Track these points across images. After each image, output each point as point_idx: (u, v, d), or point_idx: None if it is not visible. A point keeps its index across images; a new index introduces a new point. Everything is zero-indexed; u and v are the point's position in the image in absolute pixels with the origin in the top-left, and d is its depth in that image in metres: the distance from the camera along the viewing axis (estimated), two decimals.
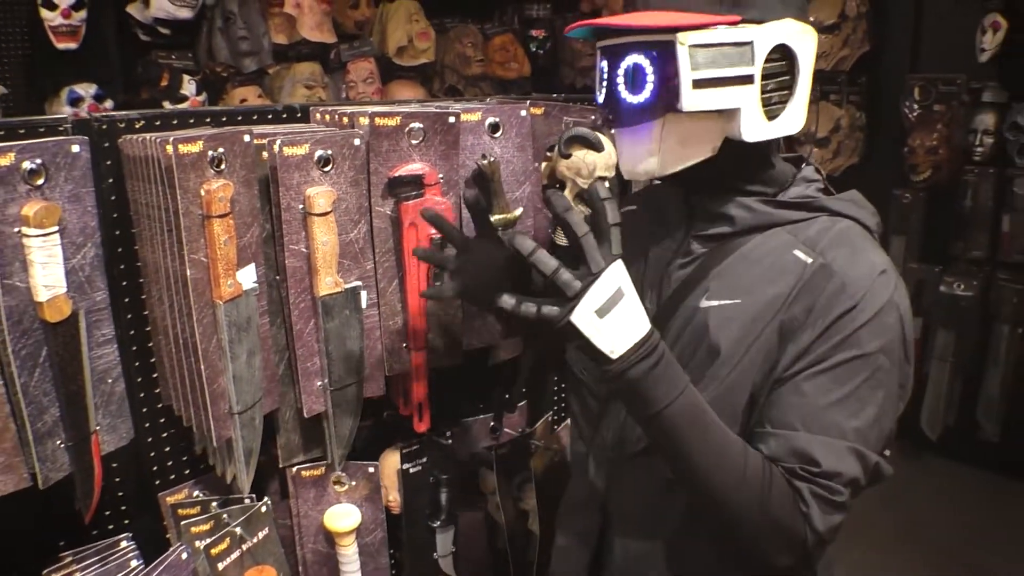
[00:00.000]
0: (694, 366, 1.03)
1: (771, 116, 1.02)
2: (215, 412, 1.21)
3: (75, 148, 1.06)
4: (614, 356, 0.90)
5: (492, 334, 1.64)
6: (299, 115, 1.49)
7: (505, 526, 1.79)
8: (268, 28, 3.11)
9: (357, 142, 1.33)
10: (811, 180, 1.10)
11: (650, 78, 0.98)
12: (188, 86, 2.82)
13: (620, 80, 1.01)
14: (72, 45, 2.62)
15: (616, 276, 0.90)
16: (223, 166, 1.15)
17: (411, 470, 1.61)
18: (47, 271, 1.03)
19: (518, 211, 1.57)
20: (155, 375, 1.37)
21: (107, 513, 1.38)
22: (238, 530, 1.36)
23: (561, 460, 1.91)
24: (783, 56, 1.00)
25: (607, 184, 1.68)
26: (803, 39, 1.00)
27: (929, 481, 3.62)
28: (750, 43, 0.97)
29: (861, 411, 0.96)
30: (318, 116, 1.47)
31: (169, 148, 1.09)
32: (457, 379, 1.60)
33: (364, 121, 1.35)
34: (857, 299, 0.97)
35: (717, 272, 1.06)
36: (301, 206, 1.25)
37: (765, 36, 0.97)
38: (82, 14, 2.63)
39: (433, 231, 1.41)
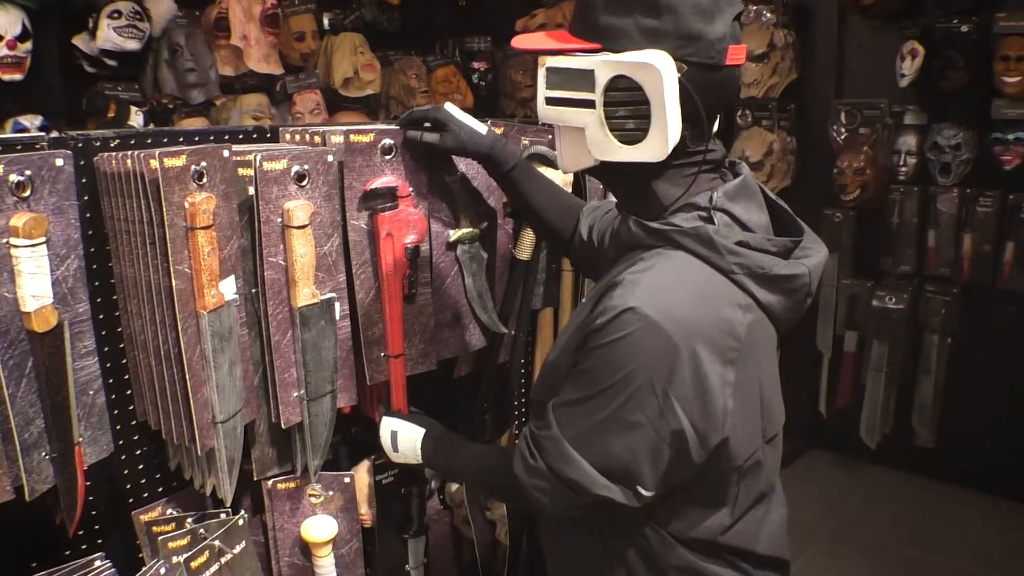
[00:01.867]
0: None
1: (625, 140, 1.04)
2: (199, 421, 1.23)
3: (59, 162, 1.09)
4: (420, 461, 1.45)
5: (460, 345, 1.69)
6: (268, 136, 1.52)
7: (475, 537, 1.83)
8: (215, 60, 3.13)
9: (330, 159, 1.37)
10: (698, 209, 1.06)
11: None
12: (136, 117, 2.82)
13: (541, 80, 1.12)
14: (17, 76, 2.60)
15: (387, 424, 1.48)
16: (204, 180, 1.19)
17: (383, 481, 1.64)
18: (35, 281, 1.05)
19: (483, 224, 1.62)
20: (129, 392, 1.37)
21: (80, 532, 1.37)
22: (217, 543, 1.37)
23: None
24: (632, 86, 1.01)
25: None
26: (664, 72, 0.98)
27: (867, 488, 3.76)
28: (591, 71, 1.03)
29: (579, 422, 1.04)
30: (287, 136, 1.51)
31: (154, 163, 1.12)
32: (422, 392, 1.64)
33: (336, 139, 1.40)
34: (600, 329, 1.01)
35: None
36: (279, 219, 1.29)
37: (608, 66, 1.02)
38: (27, 45, 2.61)
39: (408, 241, 1.46)
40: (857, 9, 3.58)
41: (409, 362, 1.55)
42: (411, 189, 1.48)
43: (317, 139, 1.43)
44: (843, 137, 3.60)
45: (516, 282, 1.78)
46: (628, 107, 1.02)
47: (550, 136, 1.84)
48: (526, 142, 1.75)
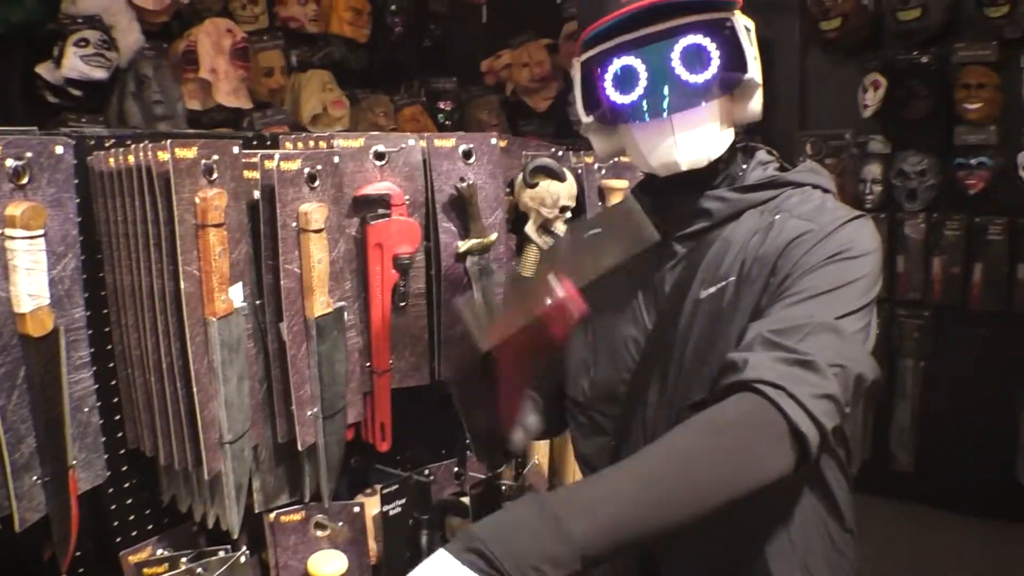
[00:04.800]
0: (719, 349, 1.03)
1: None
2: (206, 442, 1.12)
3: (59, 150, 0.99)
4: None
5: (468, 367, 1.60)
6: (269, 143, 1.44)
7: None
8: (182, 93, 3.04)
9: (336, 160, 1.31)
10: (766, 163, 1.13)
11: (714, 55, 1.00)
12: None
13: (675, 64, 1.01)
14: None
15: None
16: (215, 176, 1.10)
17: (391, 512, 1.53)
18: (32, 278, 0.94)
19: (493, 236, 1.56)
20: (117, 416, 1.26)
21: None
22: None
23: None
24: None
25: (568, 215, 1.73)
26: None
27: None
28: (751, 28, 1.05)
29: (839, 306, 0.94)
30: (288, 145, 1.43)
31: (163, 155, 1.03)
32: (428, 420, 1.56)
33: (340, 143, 1.33)
34: (833, 232, 0.99)
35: (705, 264, 1.08)
36: (295, 223, 1.20)
37: (750, 23, 1.05)
38: None
39: (399, 251, 1.39)
40: (819, 44, 3.66)
41: (398, 375, 1.47)
42: (407, 198, 1.42)
43: (323, 144, 1.36)
44: None
45: None
46: (755, 52, 1.04)
47: (553, 148, 1.80)
48: (528, 155, 1.71)
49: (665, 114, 1.01)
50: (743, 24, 1.03)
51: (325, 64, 3.79)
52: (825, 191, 1.10)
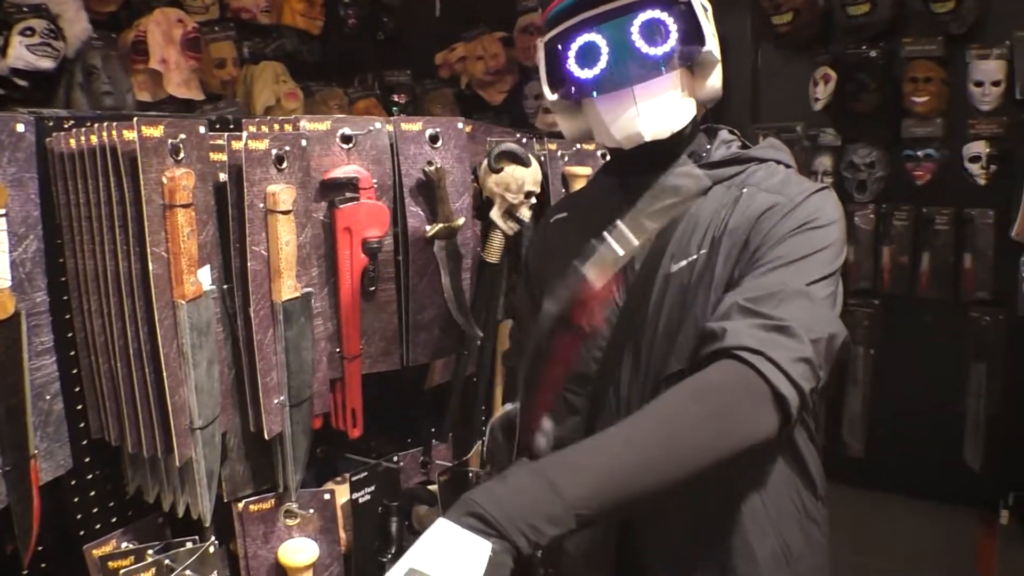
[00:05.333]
0: (691, 322, 1.04)
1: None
2: (176, 428, 1.09)
3: (20, 128, 0.96)
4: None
5: (434, 350, 1.60)
6: (232, 126, 1.41)
7: None
8: (131, 85, 2.96)
9: (304, 143, 1.29)
10: (729, 141, 1.17)
11: (672, 28, 1.03)
12: None
13: (635, 37, 1.04)
14: None
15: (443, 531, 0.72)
16: (182, 156, 1.07)
17: (360, 500, 1.51)
18: None
19: (460, 220, 1.55)
20: (79, 406, 1.22)
21: (24, 573, 1.20)
22: (190, 572, 1.22)
23: None
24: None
25: (532, 200, 1.72)
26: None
27: None
28: (708, 8, 1.09)
29: (810, 271, 0.97)
30: (252, 128, 1.41)
31: (130, 133, 1.00)
32: (393, 409, 1.55)
33: (306, 125, 1.31)
34: (800, 202, 1.02)
35: (675, 239, 1.10)
36: (262, 204, 1.18)
37: (707, 3, 1.09)
38: None
39: (368, 235, 1.38)
40: (770, 38, 3.72)
41: (368, 360, 1.46)
42: (375, 181, 1.41)
43: (288, 127, 1.34)
44: None
45: (486, 286, 1.70)
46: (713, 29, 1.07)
47: (517, 135, 1.80)
48: (493, 140, 1.70)
49: (627, 84, 1.04)
50: (700, 2, 1.07)
51: (278, 56, 3.74)
52: (788, 166, 1.13)
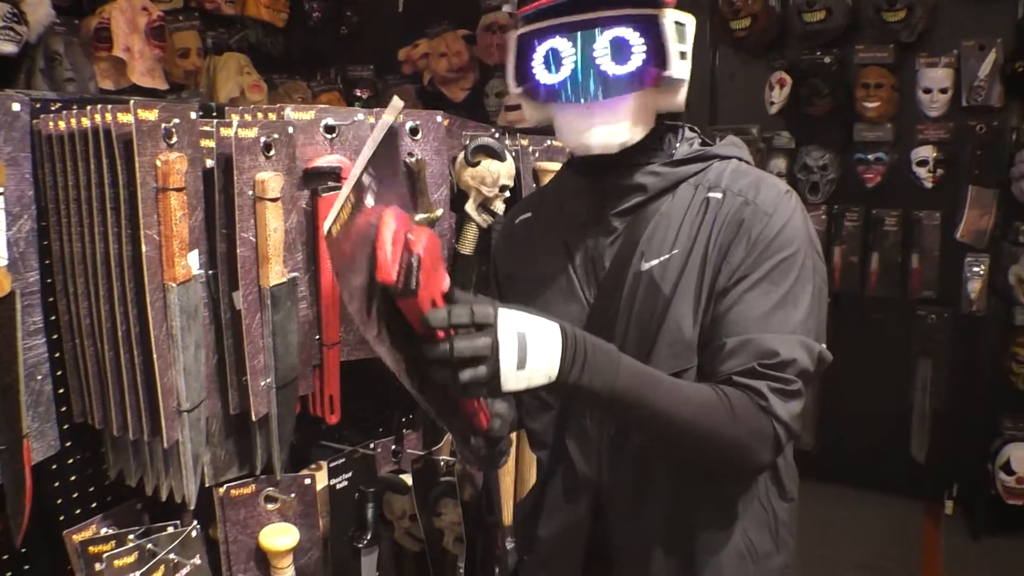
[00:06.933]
0: (656, 320, 1.09)
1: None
2: (165, 410, 1.10)
3: (15, 107, 0.96)
4: (553, 379, 0.92)
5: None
6: (215, 114, 1.42)
7: (427, 547, 1.74)
8: (94, 72, 2.92)
9: (291, 130, 1.30)
10: (691, 138, 1.19)
11: (638, 49, 1.04)
12: None
13: (599, 53, 1.05)
14: None
15: (508, 323, 0.89)
16: (174, 140, 1.09)
17: (338, 486, 1.53)
18: None
19: (439, 211, 1.58)
20: (60, 390, 1.22)
21: (5, 556, 1.20)
22: (173, 556, 1.23)
23: (469, 474, 1.89)
24: (683, 32, 1.11)
25: (507, 194, 1.76)
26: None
27: None
28: (686, 24, 1.10)
29: (798, 305, 1.05)
30: (236, 117, 1.42)
31: (125, 116, 1.01)
32: (366, 397, 1.57)
33: (292, 114, 1.33)
34: (770, 213, 1.08)
35: (646, 237, 1.14)
36: (251, 191, 1.20)
37: (686, 19, 1.10)
38: None
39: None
40: (729, 42, 3.82)
41: (346, 347, 1.47)
42: None
43: (272, 116, 1.35)
44: None
45: (459, 277, 1.73)
46: (683, 49, 1.08)
47: (492, 130, 1.84)
48: (468, 135, 1.73)
49: (584, 100, 1.06)
50: (674, 20, 1.07)
51: (241, 47, 3.73)
52: (748, 163, 1.17)
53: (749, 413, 1.00)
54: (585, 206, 1.20)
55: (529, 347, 0.88)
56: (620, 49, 1.04)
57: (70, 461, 1.27)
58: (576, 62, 1.06)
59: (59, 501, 1.26)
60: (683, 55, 1.08)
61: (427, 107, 4.49)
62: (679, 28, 1.08)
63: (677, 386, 1.01)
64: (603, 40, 1.04)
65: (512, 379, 0.88)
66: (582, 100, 1.07)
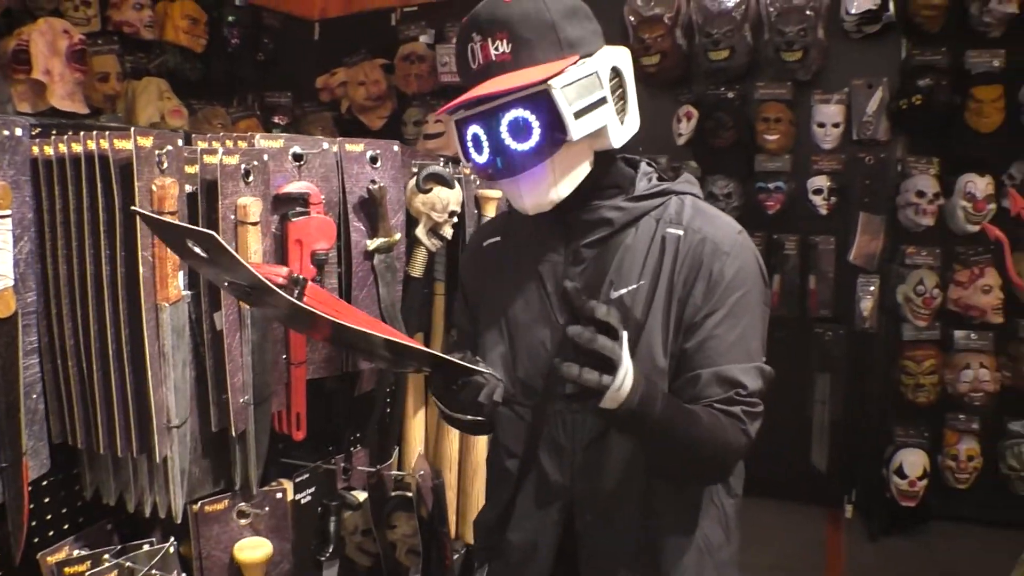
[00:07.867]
0: (641, 345, 1.21)
1: (623, 121, 1.21)
2: (157, 426, 1.14)
3: (18, 131, 1.00)
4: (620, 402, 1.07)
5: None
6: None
7: (383, 560, 1.79)
8: (11, 95, 2.85)
9: (266, 157, 1.37)
10: (649, 173, 1.29)
11: (535, 125, 1.12)
12: None
13: (504, 136, 1.14)
14: None
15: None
16: (166, 166, 1.14)
17: (302, 500, 1.58)
18: (1, 258, 0.94)
19: (397, 235, 1.66)
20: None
21: None
22: (156, 572, 1.25)
23: (422, 488, 1.95)
24: (615, 74, 1.19)
25: (455, 219, 1.86)
26: (622, 56, 1.20)
27: None
28: (595, 72, 1.15)
29: (755, 335, 1.22)
30: (218, 144, 1.46)
31: (124, 143, 1.06)
32: (320, 414, 1.62)
33: (261, 142, 1.39)
34: (728, 252, 1.19)
35: (614, 267, 1.25)
36: (232, 216, 1.25)
37: (601, 64, 1.16)
38: None
39: (317, 247, 1.47)
40: (639, 77, 4.01)
41: (311, 366, 1.53)
42: (323, 197, 1.50)
43: (242, 144, 1.41)
44: None
45: (412, 300, 1.81)
46: (617, 92, 1.18)
47: (441, 158, 1.93)
48: (417, 163, 1.82)
49: (507, 175, 1.17)
50: (570, 80, 1.12)
51: (160, 72, 3.69)
52: (701, 199, 1.29)
53: (735, 432, 1.17)
54: (554, 237, 1.29)
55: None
56: (520, 129, 1.14)
57: (44, 483, 1.27)
58: (490, 145, 1.16)
59: (34, 522, 1.26)
60: (582, 111, 1.13)
61: (344, 135, 4.55)
62: (584, 83, 1.13)
63: (691, 409, 1.16)
64: (504, 123, 1.14)
65: (610, 399, 1.04)
66: (504, 176, 1.18)
